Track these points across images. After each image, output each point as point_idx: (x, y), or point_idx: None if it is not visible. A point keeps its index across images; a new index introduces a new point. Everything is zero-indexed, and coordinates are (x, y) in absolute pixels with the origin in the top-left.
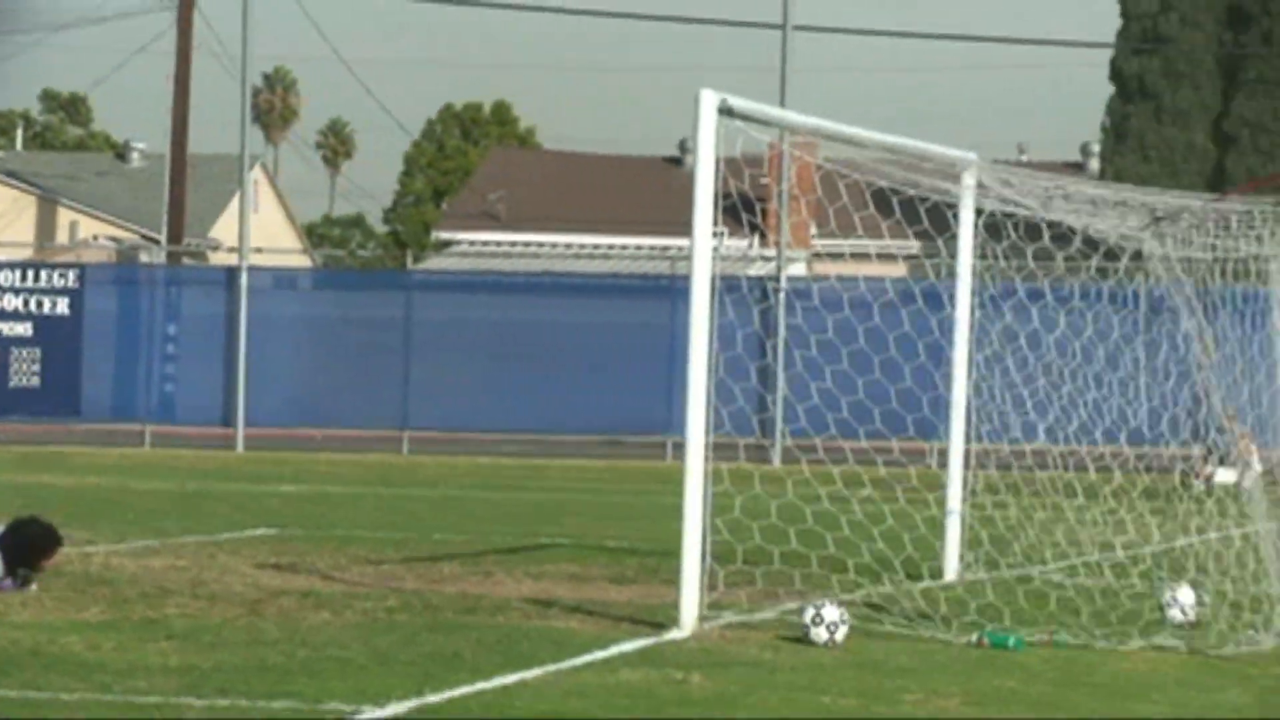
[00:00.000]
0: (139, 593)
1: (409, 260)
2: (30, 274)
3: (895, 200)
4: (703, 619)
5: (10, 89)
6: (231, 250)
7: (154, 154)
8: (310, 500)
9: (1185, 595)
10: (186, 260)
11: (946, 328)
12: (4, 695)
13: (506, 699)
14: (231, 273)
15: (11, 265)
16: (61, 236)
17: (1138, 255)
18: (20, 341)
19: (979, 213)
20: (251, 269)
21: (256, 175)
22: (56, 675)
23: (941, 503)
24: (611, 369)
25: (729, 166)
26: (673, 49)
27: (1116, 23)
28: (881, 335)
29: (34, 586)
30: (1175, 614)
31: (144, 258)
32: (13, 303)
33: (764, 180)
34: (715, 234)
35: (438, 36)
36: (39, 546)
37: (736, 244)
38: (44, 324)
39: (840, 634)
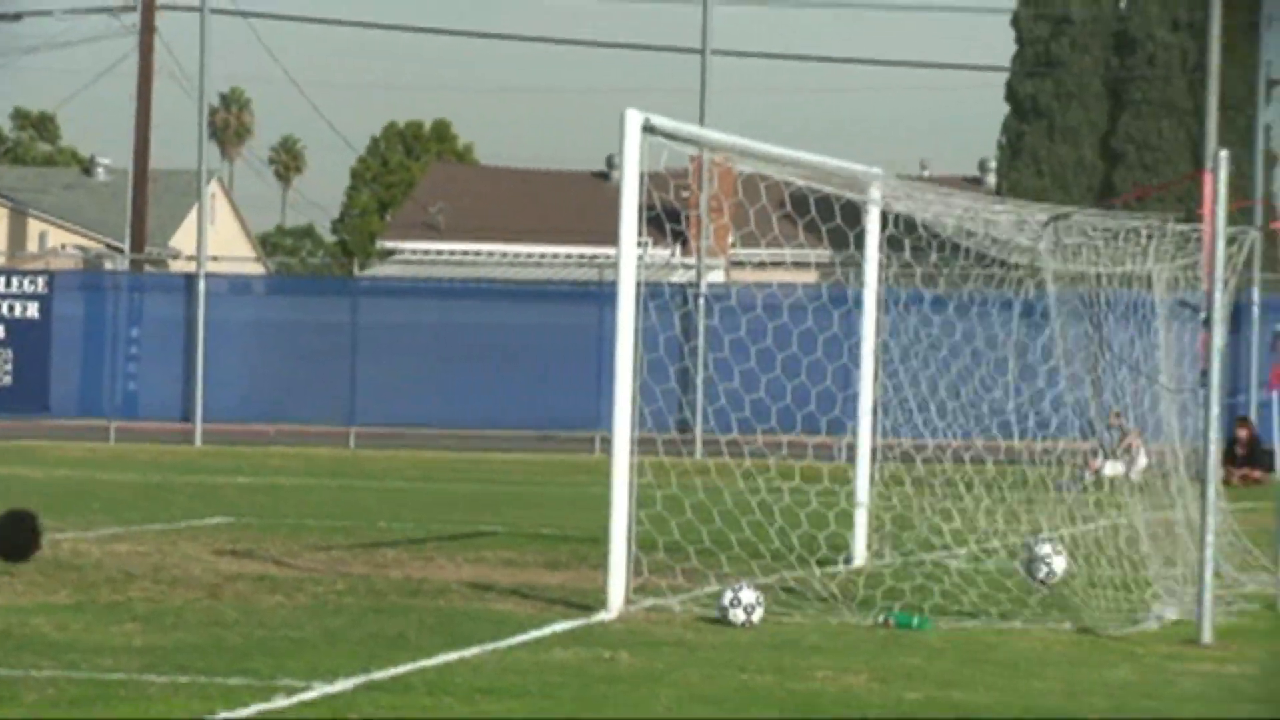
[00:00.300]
0: (105, 577)
1: (355, 268)
2: (2, 280)
3: (811, 201)
4: (629, 602)
5: None
6: (190, 258)
7: (118, 169)
8: (264, 491)
9: (1059, 551)
10: (148, 268)
11: (854, 330)
12: None
13: (447, 675)
14: (190, 279)
15: None
16: (31, 245)
17: (1031, 264)
18: None
19: (885, 223)
20: (209, 276)
21: (213, 189)
22: (28, 654)
23: (850, 494)
24: (544, 369)
25: (653, 180)
26: (600, 72)
27: (1012, 48)
28: (791, 336)
29: None
30: (1042, 569)
31: (109, 265)
32: None
33: (685, 193)
34: (640, 243)
35: (382, 60)
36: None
37: (660, 253)
38: (15, 327)
39: (756, 615)
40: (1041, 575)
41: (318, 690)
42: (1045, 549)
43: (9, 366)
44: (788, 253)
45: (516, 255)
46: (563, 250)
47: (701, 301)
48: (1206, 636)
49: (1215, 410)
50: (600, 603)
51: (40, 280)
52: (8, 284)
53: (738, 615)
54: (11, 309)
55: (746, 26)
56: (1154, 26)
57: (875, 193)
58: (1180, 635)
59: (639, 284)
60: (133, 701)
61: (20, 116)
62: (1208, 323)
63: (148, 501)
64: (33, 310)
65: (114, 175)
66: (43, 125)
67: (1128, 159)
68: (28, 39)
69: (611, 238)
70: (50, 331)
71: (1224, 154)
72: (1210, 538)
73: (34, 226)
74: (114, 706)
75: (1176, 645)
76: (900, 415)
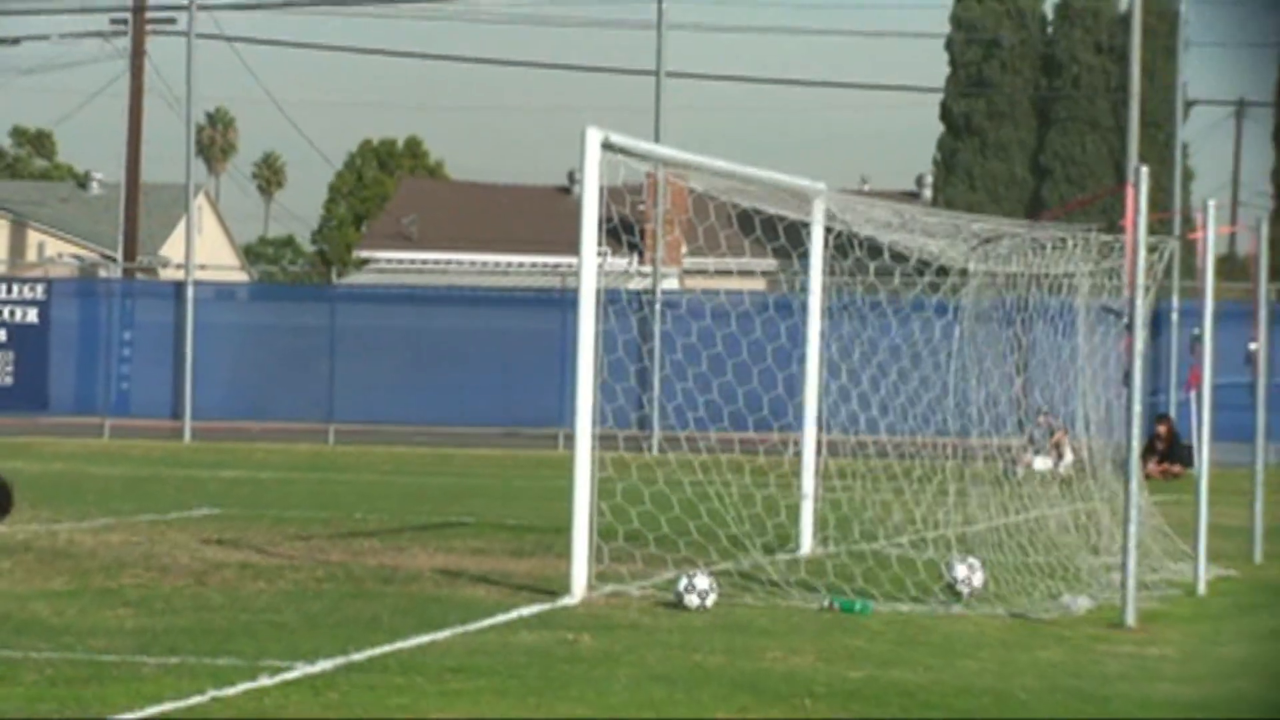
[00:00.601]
0: (98, 565)
1: (333, 275)
2: (3, 287)
3: (757, 221)
4: (591, 588)
5: None
6: (179, 267)
7: (111, 183)
8: (248, 484)
9: (976, 561)
10: (140, 275)
11: (799, 335)
12: None
13: (420, 656)
14: (179, 286)
15: None
16: (30, 254)
17: (964, 273)
18: None
19: (828, 234)
20: (196, 283)
21: (200, 201)
22: (26, 637)
23: (798, 488)
24: (510, 370)
25: (611, 195)
26: (562, 92)
27: (945, 70)
28: (739, 341)
29: None
30: (975, 579)
31: (103, 273)
32: None
33: (641, 206)
34: (599, 253)
35: (358, 81)
36: None
37: (618, 262)
38: (16, 330)
39: (710, 600)
40: (965, 595)
41: (300, 670)
42: (962, 571)
43: (10, 367)
44: (736, 262)
45: (484, 264)
46: (527, 259)
47: (658, 307)
48: (1130, 620)
49: (1137, 409)
50: (564, 588)
51: (39, 287)
52: (9, 290)
53: (692, 600)
54: (12, 314)
55: (698, 50)
56: (1079, 50)
57: (819, 206)
58: (1106, 619)
59: (599, 291)
60: (126, 681)
61: (19, 134)
62: (1130, 327)
63: (139, 494)
64: (32, 315)
65: (107, 189)
66: (40, 142)
67: (1055, 174)
68: (26, 61)
69: (573, 248)
70: (49, 335)
71: (1144, 169)
72: (1134, 528)
73: (33, 237)
74: (108, 686)
75: (1103, 628)
76: (844, 414)
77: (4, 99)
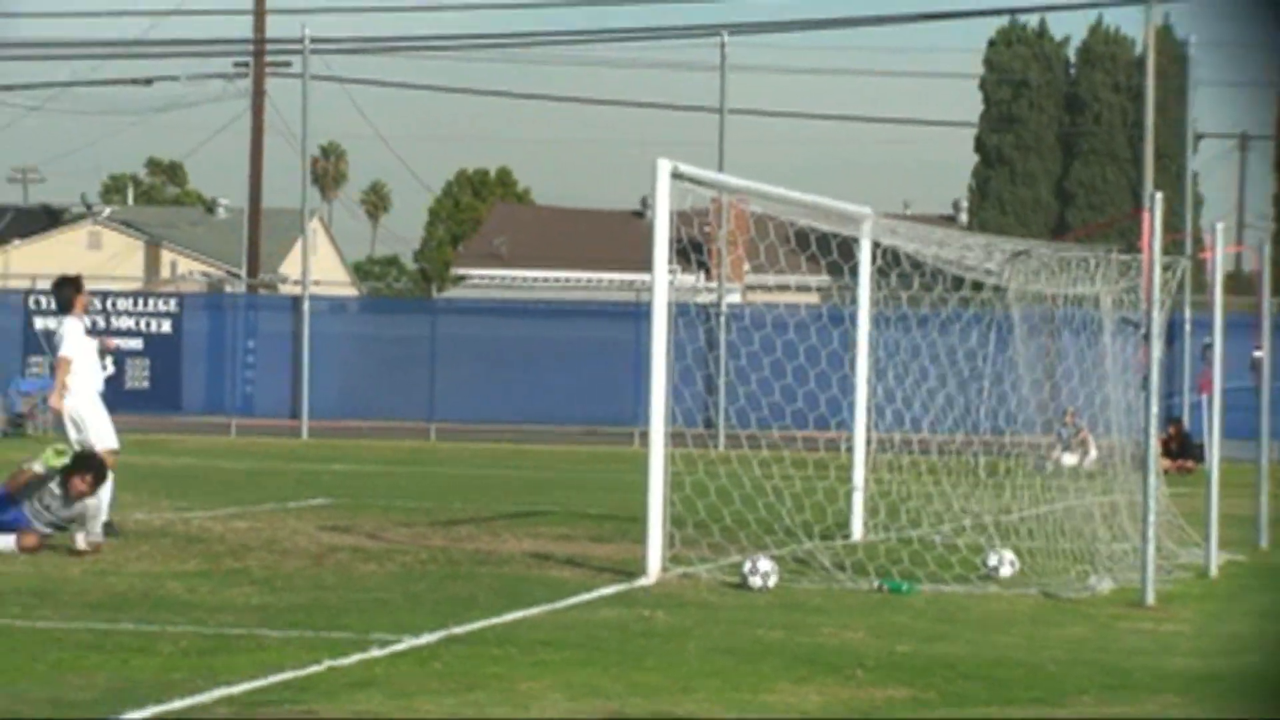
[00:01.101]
0: (226, 548)
1: (433, 290)
2: (141, 301)
3: (812, 240)
4: (664, 570)
5: None
6: (296, 283)
7: (235, 208)
8: (358, 476)
9: (1008, 554)
10: (261, 290)
11: (850, 343)
12: (124, 627)
13: (512, 630)
14: (296, 300)
15: (126, 294)
16: (165, 272)
17: (997, 287)
18: (134, 353)
19: (875, 252)
20: (312, 297)
21: (315, 225)
22: (163, 612)
23: (849, 479)
24: (591, 375)
25: (680, 218)
26: (636, 126)
27: (979, 107)
28: (797, 348)
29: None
30: (1005, 570)
31: (228, 289)
32: (128, 323)
33: (707, 228)
34: (669, 270)
35: (455, 116)
36: (81, 469)
37: (686, 278)
38: (152, 340)
39: (771, 581)
40: (1006, 574)
41: (406, 642)
42: (994, 561)
43: (147, 372)
44: (793, 278)
45: (567, 280)
46: (605, 276)
47: (722, 319)
48: (1149, 600)
49: (1154, 410)
50: (640, 570)
51: (172, 301)
52: (145, 304)
53: (755, 581)
54: (149, 325)
55: (757, 89)
56: (1099, 90)
57: (866, 227)
58: (1126, 599)
59: (669, 304)
60: (251, 652)
61: (154, 164)
62: (1147, 337)
63: (261, 485)
64: (166, 326)
65: (232, 213)
66: (172, 172)
67: (1078, 200)
68: (158, 100)
69: (646, 265)
70: (181, 343)
71: (1158, 196)
72: (1152, 517)
73: (166, 256)
74: (235, 656)
75: (1123, 607)
76: (890, 413)
77: (140, 134)
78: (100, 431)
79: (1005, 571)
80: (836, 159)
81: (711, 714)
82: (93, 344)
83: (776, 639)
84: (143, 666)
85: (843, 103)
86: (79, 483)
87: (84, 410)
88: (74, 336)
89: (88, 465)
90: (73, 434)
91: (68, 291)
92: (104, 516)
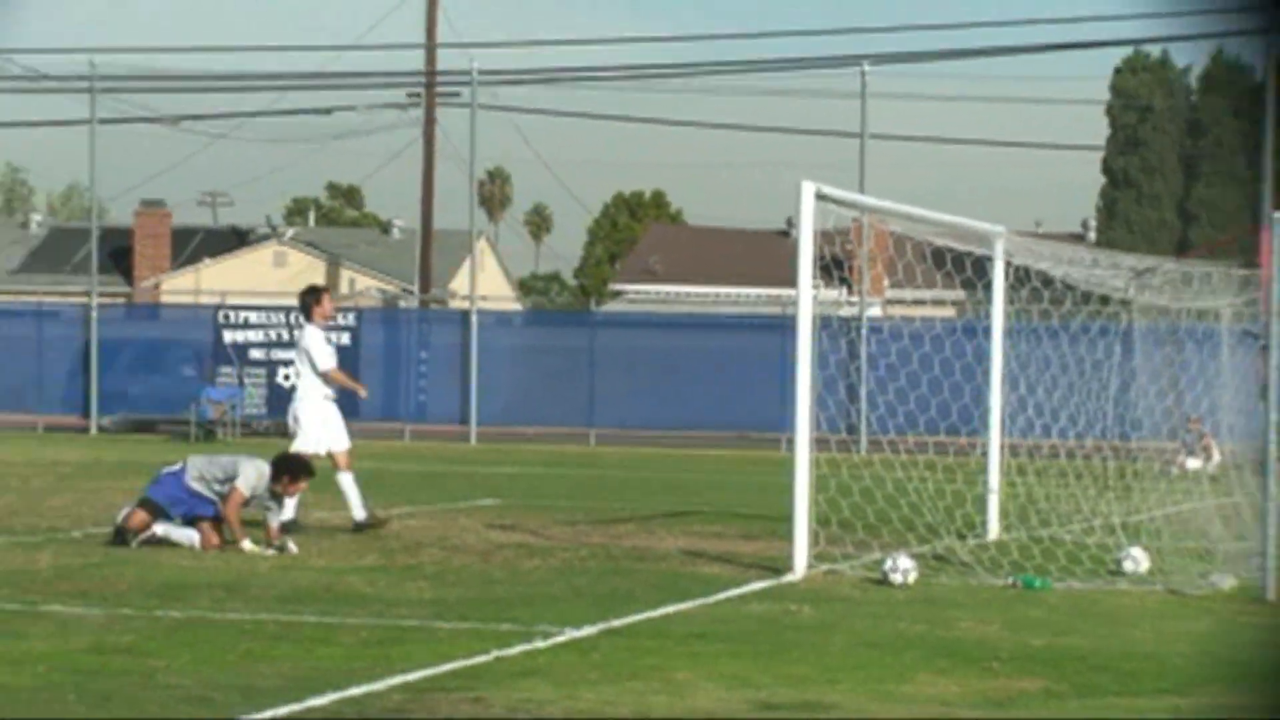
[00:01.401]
0: (401, 545)
1: (592, 305)
2: None
3: (947, 258)
4: (810, 567)
5: None
6: (465, 298)
7: (408, 229)
8: (523, 478)
9: (1138, 552)
10: (433, 305)
11: (985, 354)
12: (307, 619)
13: (668, 623)
14: (465, 314)
15: None
16: (344, 289)
17: (1124, 302)
18: None
19: (1007, 268)
20: (479, 312)
21: (482, 244)
22: (343, 604)
23: (985, 482)
24: (740, 384)
25: (823, 236)
26: (782, 150)
27: (1106, 131)
28: (933, 359)
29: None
30: (1129, 565)
31: (402, 304)
32: None
33: (849, 246)
34: (814, 286)
35: (612, 142)
36: (295, 471)
37: (829, 293)
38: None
39: (911, 578)
40: (1133, 570)
41: (568, 634)
42: (1129, 564)
43: None
44: (930, 293)
45: (717, 295)
46: (752, 291)
47: (864, 331)
48: (1270, 595)
49: (1274, 416)
50: (787, 567)
51: (351, 315)
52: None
53: (896, 577)
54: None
55: (896, 115)
56: (1220, 114)
57: (999, 246)
58: (1248, 595)
59: (814, 317)
60: (425, 642)
61: (333, 188)
62: (1266, 348)
63: (433, 486)
64: (345, 339)
65: (405, 234)
66: (350, 195)
67: (1200, 220)
68: (337, 128)
69: (791, 281)
70: (359, 354)
71: (1277, 215)
72: (1272, 517)
73: (345, 274)
74: (410, 646)
75: (1245, 603)
76: (1022, 420)
77: (321, 160)
78: (334, 433)
79: (1134, 568)
80: (971, 181)
81: (857, 703)
82: (332, 349)
83: (917, 632)
84: (325, 655)
85: (977, 128)
86: (281, 485)
87: (318, 413)
88: (318, 344)
89: (288, 466)
90: (305, 434)
91: (309, 300)
92: (289, 515)
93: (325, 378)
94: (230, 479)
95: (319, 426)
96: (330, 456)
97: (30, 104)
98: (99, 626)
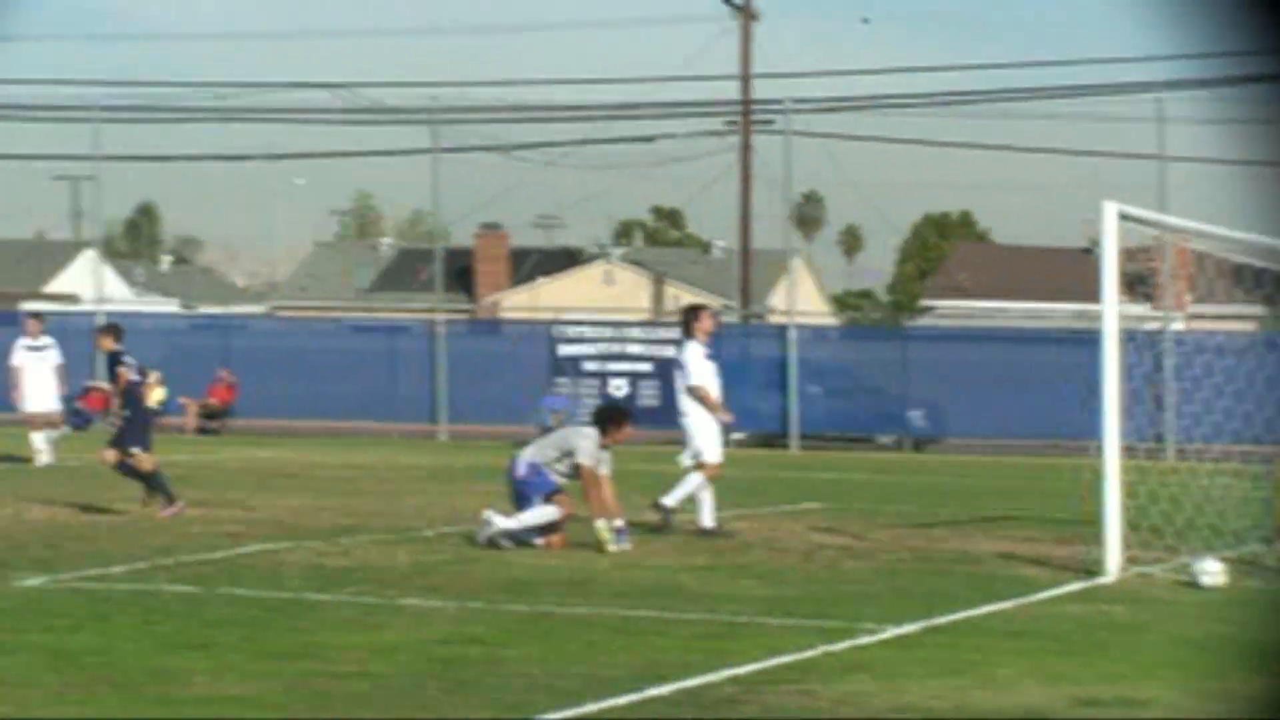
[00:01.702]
0: (730, 546)
1: (904, 320)
2: (650, 330)
3: (1248, 273)
4: (1122, 569)
5: None
6: (783, 314)
7: (728, 249)
8: (843, 483)
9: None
10: (752, 320)
11: None
12: (644, 614)
13: (987, 622)
14: (783, 329)
15: (639, 324)
16: (669, 305)
17: None
18: (645, 375)
19: None
20: (797, 326)
21: (798, 263)
22: (677, 601)
23: None
24: (1049, 394)
25: (1126, 254)
26: (1085, 172)
27: None
28: (1237, 371)
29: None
30: (1207, 580)
31: (724, 319)
32: (639, 349)
33: (1151, 263)
34: (1118, 301)
35: (921, 165)
36: (616, 418)
37: (1133, 308)
38: (660, 364)
39: (1220, 581)
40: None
41: (890, 631)
42: (1206, 579)
43: (656, 392)
44: (1231, 308)
45: (1024, 310)
46: (1058, 306)
47: (1168, 345)
48: None
49: None
50: (1100, 570)
51: (676, 330)
52: (654, 332)
53: (1206, 580)
54: (657, 351)
55: (1193, 137)
56: None
57: None
58: None
59: (1119, 331)
60: (755, 637)
61: (657, 211)
62: None
63: (758, 491)
64: (671, 352)
65: (725, 254)
66: (673, 218)
67: None
68: (660, 155)
69: (1096, 297)
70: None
71: None
72: None
73: (669, 291)
74: (741, 640)
75: None
76: None
77: (645, 185)
78: (709, 445)
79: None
80: (1270, 199)
81: (1173, 700)
82: (712, 366)
83: (1229, 632)
84: (662, 648)
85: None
86: (610, 437)
87: (698, 424)
88: (696, 361)
89: (607, 418)
90: (691, 445)
91: (689, 317)
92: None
93: (693, 392)
94: (566, 453)
95: (699, 437)
96: (698, 464)
97: (376, 134)
98: (452, 619)
